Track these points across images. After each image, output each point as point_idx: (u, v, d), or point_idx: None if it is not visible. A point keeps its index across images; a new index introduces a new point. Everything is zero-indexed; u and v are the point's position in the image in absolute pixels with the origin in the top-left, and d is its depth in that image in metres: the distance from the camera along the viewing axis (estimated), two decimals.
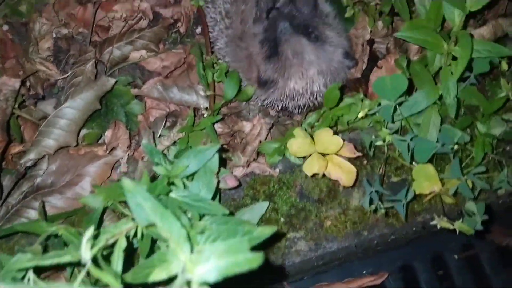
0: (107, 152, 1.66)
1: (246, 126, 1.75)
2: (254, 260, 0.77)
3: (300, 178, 1.65)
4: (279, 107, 1.78)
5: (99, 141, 1.74)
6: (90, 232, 0.88)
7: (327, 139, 1.45)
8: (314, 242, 1.63)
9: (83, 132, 1.71)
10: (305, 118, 1.76)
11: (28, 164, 1.54)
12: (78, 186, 1.63)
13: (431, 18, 1.56)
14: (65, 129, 1.58)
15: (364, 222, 1.65)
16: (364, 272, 2.12)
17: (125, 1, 1.97)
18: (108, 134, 1.65)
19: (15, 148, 1.61)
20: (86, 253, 0.88)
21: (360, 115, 1.48)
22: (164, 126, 1.76)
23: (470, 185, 1.51)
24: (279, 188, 1.64)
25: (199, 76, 1.72)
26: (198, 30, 2.05)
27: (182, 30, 2.03)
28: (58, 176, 1.62)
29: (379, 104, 1.46)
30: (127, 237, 1.04)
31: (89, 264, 0.87)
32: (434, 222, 1.40)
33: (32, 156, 1.53)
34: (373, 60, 2.00)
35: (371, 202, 1.49)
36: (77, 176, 1.64)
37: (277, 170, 1.65)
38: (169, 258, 0.84)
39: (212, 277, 0.73)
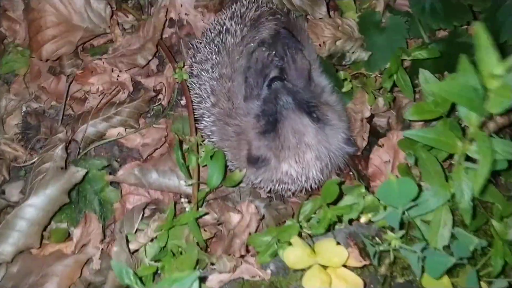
0: (78, 249, 1.46)
1: (234, 217, 1.57)
2: None
3: (295, 281, 1.45)
4: (269, 189, 1.60)
5: (70, 234, 1.54)
6: None
7: (330, 251, 1.27)
8: None
9: (50, 226, 1.52)
10: (299, 207, 1.57)
11: None
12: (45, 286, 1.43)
13: (439, 103, 1.41)
14: (25, 231, 1.39)
15: None
16: None
17: (103, 72, 1.81)
18: (77, 232, 1.46)
19: None
20: None
21: (363, 220, 1.31)
22: (142, 216, 1.57)
23: None
24: None
25: (178, 165, 1.54)
26: (183, 101, 1.88)
27: (164, 102, 1.87)
28: (20, 279, 1.42)
29: (385, 208, 1.28)
30: None
31: None
32: None
33: None
34: (373, 134, 1.84)
35: None
36: (42, 277, 1.44)
37: (269, 271, 1.46)
38: None
39: None
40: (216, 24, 1.70)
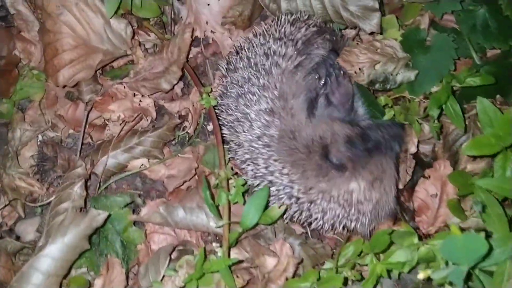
0: None
1: (270, 261, 1.43)
2: None
3: None
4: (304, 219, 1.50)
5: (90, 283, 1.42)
6: None
7: None
8: None
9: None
10: (340, 249, 1.43)
11: None
12: None
13: (500, 136, 1.27)
14: (42, 285, 1.25)
15: None
16: None
17: (124, 97, 1.67)
18: (99, 282, 1.33)
19: None
20: None
21: (421, 277, 1.16)
22: (169, 260, 1.43)
23: None
24: None
25: (207, 205, 1.40)
26: (210, 127, 1.74)
27: (190, 130, 1.72)
28: None
29: (446, 263, 1.14)
30: None
31: None
32: None
33: None
34: (416, 163, 1.68)
35: None
36: None
37: None
38: None
39: None
40: (258, 44, 1.55)
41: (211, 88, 1.66)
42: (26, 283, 1.24)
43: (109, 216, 1.43)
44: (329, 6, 1.63)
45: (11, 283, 1.25)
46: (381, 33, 1.67)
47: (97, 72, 1.69)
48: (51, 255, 1.26)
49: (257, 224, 1.43)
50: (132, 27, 1.66)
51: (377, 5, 1.56)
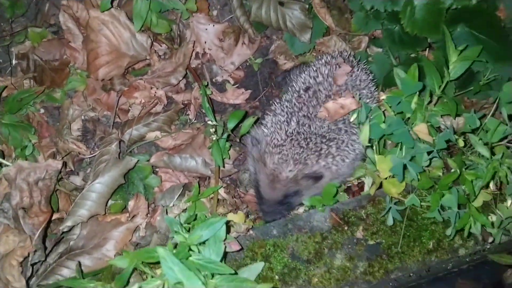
0: (129, 219, 1.97)
1: None
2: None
3: (292, 241, 1.96)
4: None
5: (123, 210, 2.06)
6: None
7: None
8: None
9: (109, 202, 2.03)
10: None
11: (65, 230, 1.85)
12: (104, 248, 1.93)
13: None
14: (95, 201, 1.90)
15: (345, 279, 1.95)
16: None
17: (144, 89, 2.34)
18: (131, 203, 1.98)
19: (54, 215, 1.92)
20: None
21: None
22: (175, 196, 2.09)
23: None
24: (274, 250, 1.94)
25: (214, 155, 2.05)
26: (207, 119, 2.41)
27: (191, 116, 2.39)
28: (88, 240, 1.92)
29: None
30: None
31: None
32: None
33: (69, 223, 1.85)
34: None
35: None
36: (103, 240, 1.94)
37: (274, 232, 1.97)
38: None
39: None
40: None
41: (207, 83, 2.35)
42: (86, 200, 1.89)
43: (135, 165, 2.08)
44: (280, 18, 2.34)
45: (76, 201, 1.89)
46: None
47: (125, 71, 2.36)
48: (101, 182, 1.91)
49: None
50: (150, 39, 2.35)
51: (310, 24, 2.29)
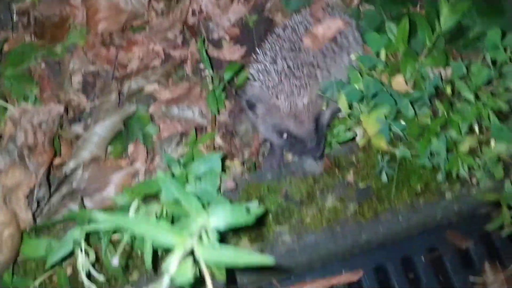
0: (129, 164, 2.05)
1: None
2: (249, 218, 1.16)
3: (285, 184, 2.04)
4: None
5: (122, 156, 2.14)
6: (135, 203, 1.28)
7: None
8: (296, 235, 2.01)
9: (109, 148, 2.11)
10: None
11: (68, 171, 1.93)
12: (105, 191, 2.02)
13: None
14: (97, 144, 1.99)
15: (336, 220, 2.04)
16: (343, 271, 2.51)
17: (142, 44, 2.41)
18: (131, 148, 2.06)
19: (56, 161, 2.00)
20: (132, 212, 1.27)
21: None
22: (173, 145, 2.17)
23: None
24: (268, 192, 2.03)
25: (210, 104, 2.13)
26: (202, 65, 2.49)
27: (188, 70, 2.46)
28: (89, 183, 2.01)
29: None
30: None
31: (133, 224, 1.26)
32: None
33: (72, 165, 1.93)
34: None
35: None
36: (104, 183, 2.03)
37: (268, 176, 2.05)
38: (190, 223, 1.22)
39: (222, 226, 1.10)
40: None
41: (204, 38, 2.42)
42: (87, 142, 1.97)
43: (134, 114, 2.15)
44: None
45: (77, 144, 1.97)
46: None
47: (124, 27, 2.42)
48: (103, 126, 2.00)
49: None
50: None
51: None
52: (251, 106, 2.04)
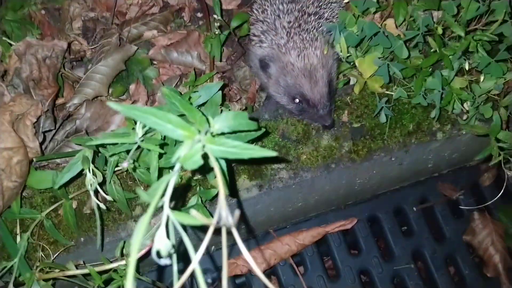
0: (131, 103, 2.11)
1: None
2: (251, 124, 1.23)
3: (282, 124, 2.11)
4: None
5: (124, 96, 2.19)
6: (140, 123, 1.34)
7: None
8: (293, 172, 2.09)
9: (111, 90, 2.17)
10: None
11: (72, 108, 1.99)
12: (107, 131, 2.07)
13: None
14: (99, 82, 2.04)
15: (331, 157, 2.11)
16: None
17: None
18: (132, 88, 2.11)
19: (58, 100, 2.05)
20: (139, 131, 1.33)
21: None
22: (172, 86, 2.22)
23: None
24: (266, 132, 2.09)
25: (214, 47, 2.18)
26: (199, 14, 2.53)
27: (186, 17, 2.50)
28: (91, 122, 2.06)
29: None
30: None
31: (140, 142, 1.33)
32: None
33: (75, 101, 1.98)
34: None
35: None
36: (105, 123, 2.08)
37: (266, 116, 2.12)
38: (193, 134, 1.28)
39: (226, 129, 1.17)
40: None
41: None
42: (90, 80, 2.03)
43: (134, 57, 2.20)
44: None
45: (81, 81, 2.02)
46: None
47: None
48: (105, 65, 2.05)
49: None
50: None
51: None
52: (264, 66, 2.03)
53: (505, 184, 2.27)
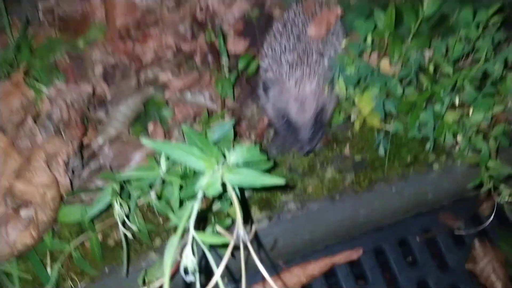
0: None
1: None
2: (262, 156, 1.39)
3: (289, 158, 2.28)
4: None
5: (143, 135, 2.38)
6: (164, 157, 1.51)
7: None
8: (300, 203, 2.25)
9: (131, 129, 2.35)
10: None
11: (96, 148, 2.17)
12: (128, 167, 2.25)
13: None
14: (120, 121, 2.23)
15: (336, 188, 2.27)
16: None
17: (156, 37, 2.66)
18: (150, 127, 2.29)
19: (84, 140, 2.24)
20: (163, 165, 1.51)
21: None
22: (187, 125, 2.41)
23: None
24: (274, 165, 2.26)
25: (224, 87, 2.37)
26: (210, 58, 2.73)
27: (197, 61, 2.71)
28: (114, 160, 2.23)
29: None
30: None
31: (163, 174, 1.50)
32: None
33: (99, 140, 2.16)
34: None
35: None
36: (127, 161, 2.25)
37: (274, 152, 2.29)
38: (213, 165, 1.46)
39: (240, 161, 1.34)
40: None
41: (220, 29, 2.67)
42: (113, 120, 2.21)
43: (151, 101, 2.40)
44: None
45: (104, 121, 2.21)
46: None
47: (139, 22, 2.67)
48: (126, 105, 2.24)
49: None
50: None
51: None
52: (266, 89, 2.29)
53: (494, 209, 2.39)
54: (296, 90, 2.18)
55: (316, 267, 2.62)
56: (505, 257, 2.85)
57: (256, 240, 2.26)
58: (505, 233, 2.87)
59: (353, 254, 2.70)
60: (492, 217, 2.75)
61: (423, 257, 2.77)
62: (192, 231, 1.10)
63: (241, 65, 2.43)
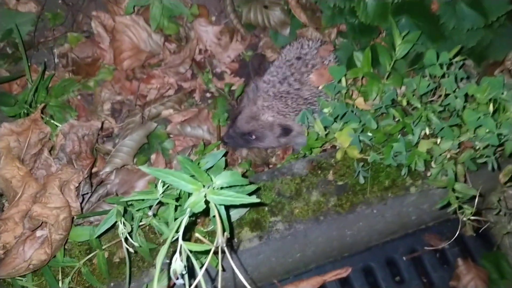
0: None
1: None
2: (243, 180, 1.64)
3: (278, 183, 2.52)
4: None
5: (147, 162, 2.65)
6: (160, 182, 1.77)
7: None
8: (288, 224, 2.47)
9: (135, 160, 2.62)
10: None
11: (104, 175, 2.43)
12: (132, 193, 2.50)
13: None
14: (126, 153, 2.49)
15: (320, 210, 2.50)
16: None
17: (159, 77, 2.95)
18: (153, 157, 2.57)
19: (93, 169, 2.51)
20: (160, 189, 1.76)
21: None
22: (186, 155, 2.67)
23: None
24: (264, 190, 2.50)
25: (215, 123, 2.65)
26: (208, 95, 3.02)
27: (197, 98, 2.99)
28: (120, 186, 2.50)
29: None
30: None
31: (160, 197, 1.76)
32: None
33: (107, 169, 2.43)
34: None
35: None
36: (131, 188, 2.52)
37: (264, 177, 2.54)
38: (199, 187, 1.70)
39: (225, 184, 1.59)
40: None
41: (209, 71, 2.96)
42: (119, 152, 2.48)
43: (154, 133, 2.67)
44: (265, 18, 2.97)
45: (112, 153, 2.48)
46: None
47: (144, 64, 2.98)
48: (131, 139, 2.51)
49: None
50: (163, 38, 2.98)
51: (289, 21, 2.91)
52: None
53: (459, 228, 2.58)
54: (258, 108, 2.56)
55: (308, 285, 2.83)
56: (487, 275, 3.03)
57: (246, 258, 2.48)
58: (487, 252, 3.06)
59: (343, 273, 2.90)
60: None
61: (410, 275, 2.94)
62: (180, 241, 1.35)
63: (237, 93, 2.75)
